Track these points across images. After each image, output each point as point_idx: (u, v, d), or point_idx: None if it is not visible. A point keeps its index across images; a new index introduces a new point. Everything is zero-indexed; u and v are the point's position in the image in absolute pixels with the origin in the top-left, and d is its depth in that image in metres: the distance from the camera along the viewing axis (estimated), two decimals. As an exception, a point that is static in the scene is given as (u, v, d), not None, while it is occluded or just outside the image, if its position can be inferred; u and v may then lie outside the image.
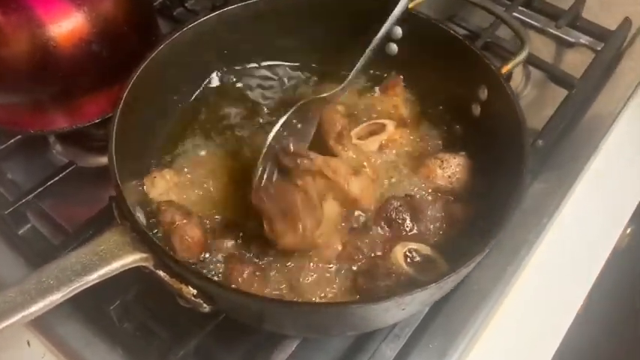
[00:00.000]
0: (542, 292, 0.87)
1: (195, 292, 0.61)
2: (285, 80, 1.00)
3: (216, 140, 0.92)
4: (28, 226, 0.91)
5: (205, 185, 0.85)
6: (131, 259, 0.63)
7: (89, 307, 0.79)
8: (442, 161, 0.86)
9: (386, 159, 0.89)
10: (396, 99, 0.97)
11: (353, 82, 0.93)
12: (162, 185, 0.83)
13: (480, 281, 0.86)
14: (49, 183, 0.94)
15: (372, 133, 0.92)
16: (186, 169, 0.87)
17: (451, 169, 0.85)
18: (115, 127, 0.72)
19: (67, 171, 0.96)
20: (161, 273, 0.63)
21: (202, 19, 0.89)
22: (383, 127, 0.93)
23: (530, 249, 0.90)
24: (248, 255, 0.76)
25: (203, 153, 0.90)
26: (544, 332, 0.83)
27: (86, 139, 1.02)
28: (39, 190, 0.93)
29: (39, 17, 0.88)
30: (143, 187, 0.82)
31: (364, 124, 0.94)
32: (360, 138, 0.91)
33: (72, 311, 0.80)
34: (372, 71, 0.98)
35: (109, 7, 0.93)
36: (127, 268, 0.63)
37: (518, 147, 0.76)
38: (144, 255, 0.64)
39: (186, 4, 1.23)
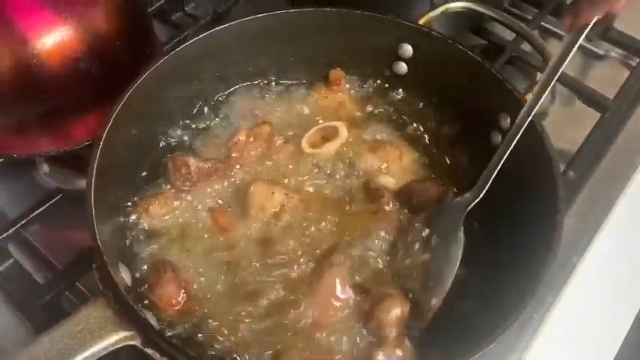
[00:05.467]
0: (571, 343, 0.80)
1: (189, 373, 0.54)
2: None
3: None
4: (11, 261, 0.84)
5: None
6: (114, 338, 0.55)
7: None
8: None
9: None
10: (342, 95, 0.90)
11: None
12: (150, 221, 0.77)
13: (504, 330, 0.78)
14: (34, 214, 0.86)
15: (325, 138, 0.86)
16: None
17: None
18: (92, 187, 0.65)
19: (55, 199, 0.88)
20: (150, 351, 0.55)
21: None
22: (335, 130, 0.86)
23: (558, 292, 0.82)
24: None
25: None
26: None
27: (76, 160, 0.94)
28: (23, 221, 0.85)
29: (21, 32, 0.79)
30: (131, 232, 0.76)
31: (314, 130, 0.86)
32: (312, 145, 0.85)
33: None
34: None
35: (99, 19, 0.85)
36: (110, 349, 0.56)
37: (548, 190, 0.67)
38: (129, 333, 0.56)
39: (186, 8, 1.13)
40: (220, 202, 0.80)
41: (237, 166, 0.82)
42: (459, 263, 0.69)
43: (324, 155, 0.84)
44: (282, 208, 0.77)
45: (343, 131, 0.86)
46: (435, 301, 0.68)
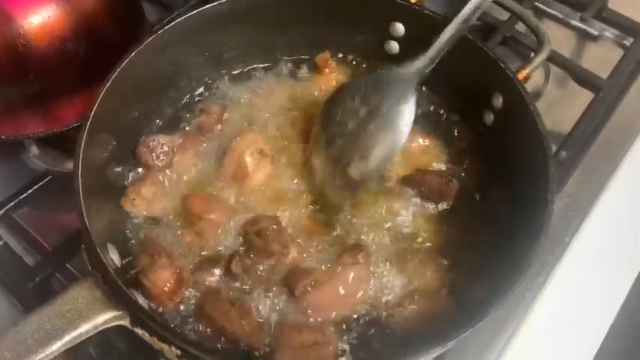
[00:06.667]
0: (563, 321, 0.80)
1: (179, 352, 0.54)
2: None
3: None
4: (0, 243, 0.83)
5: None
6: (103, 318, 0.55)
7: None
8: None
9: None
10: (334, 75, 0.89)
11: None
12: (142, 203, 0.76)
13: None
14: (23, 195, 0.86)
15: None
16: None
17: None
18: (79, 167, 0.64)
19: (44, 181, 0.87)
20: (139, 331, 0.55)
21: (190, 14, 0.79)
22: None
23: (550, 272, 0.82)
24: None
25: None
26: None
27: (65, 141, 0.93)
28: (11, 203, 0.85)
29: (6, 10, 0.78)
30: (120, 214, 0.75)
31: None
32: None
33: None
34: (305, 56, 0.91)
35: (87, -3, 0.83)
36: (99, 329, 0.55)
37: (539, 170, 0.67)
38: (118, 313, 0.56)
39: (176, -12, 1.12)
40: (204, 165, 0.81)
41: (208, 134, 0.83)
42: (408, 132, 0.74)
43: None
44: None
45: None
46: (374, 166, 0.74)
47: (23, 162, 0.93)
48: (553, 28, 1.12)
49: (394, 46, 0.88)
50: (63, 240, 0.81)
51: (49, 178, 0.88)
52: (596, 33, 1.10)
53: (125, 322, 0.56)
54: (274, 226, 0.72)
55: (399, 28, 0.85)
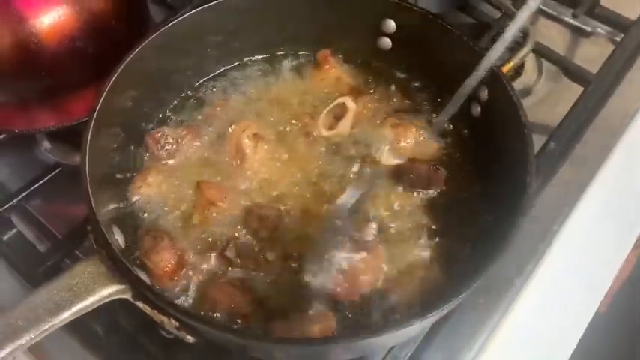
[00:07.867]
0: (551, 306, 0.83)
1: (177, 324, 0.58)
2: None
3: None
4: (14, 231, 0.88)
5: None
6: (107, 291, 0.59)
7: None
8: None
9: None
10: (335, 70, 0.93)
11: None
12: (148, 191, 0.80)
13: (486, 294, 0.82)
14: (35, 186, 0.90)
15: (337, 116, 0.88)
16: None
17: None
18: (87, 152, 0.69)
19: (55, 172, 0.92)
20: (140, 304, 0.59)
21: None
22: (343, 106, 0.88)
23: (539, 259, 0.85)
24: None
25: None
26: (554, 347, 0.80)
27: (76, 136, 0.97)
28: (24, 193, 0.89)
29: (18, 11, 0.83)
30: (126, 200, 0.80)
31: (324, 113, 0.88)
32: (329, 128, 0.87)
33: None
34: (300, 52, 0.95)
35: (95, -1, 0.88)
36: (103, 301, 0.59)
37: (521, 160, 0.70)
38: (121, 286, 0.60)
39: (181, -11, 1.16)
40: (206, 154, 0.85)
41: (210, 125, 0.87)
42: None
43: (342, 134, 0.86)
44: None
45: (351, 104, 0.88)
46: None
47: (35, 155, 0.98)
48: (547, 25, 1.15)
49: (386, 43, 0.91)
50: (72, 228, 0.86)
51: (59, 170, 0.92)
52: (588, 29, 1.13)
53: (128, 296, 0.60)
54: (272, 215, 0.76)
55: (391, 24, 0.88)
